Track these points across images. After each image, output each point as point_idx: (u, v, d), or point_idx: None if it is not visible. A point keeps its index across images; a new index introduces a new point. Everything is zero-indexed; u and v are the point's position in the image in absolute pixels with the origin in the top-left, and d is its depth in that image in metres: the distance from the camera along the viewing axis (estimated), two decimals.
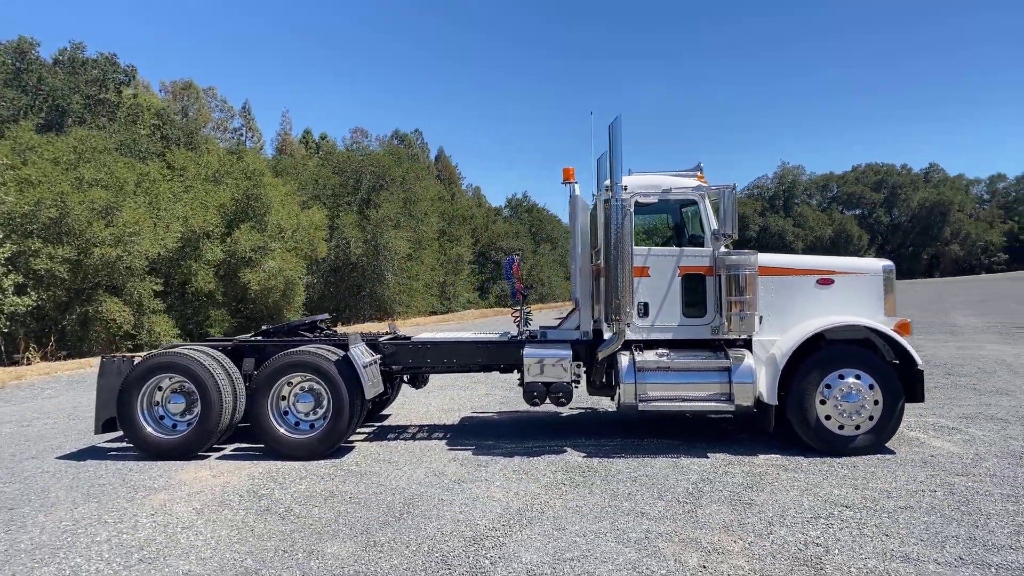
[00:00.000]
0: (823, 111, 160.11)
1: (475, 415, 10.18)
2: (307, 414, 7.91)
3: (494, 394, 11.87)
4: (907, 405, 7.66)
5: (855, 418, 7.45)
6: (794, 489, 6.33)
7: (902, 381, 7.51)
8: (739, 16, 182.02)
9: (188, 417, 7.96)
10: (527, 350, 7.98)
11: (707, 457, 7.47)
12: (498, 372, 8.90)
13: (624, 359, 7.77)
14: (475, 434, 8.84)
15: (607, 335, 8.01)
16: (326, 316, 9.49)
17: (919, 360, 7.49)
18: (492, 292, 60.71)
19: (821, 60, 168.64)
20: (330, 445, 7.78)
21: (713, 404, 7.64)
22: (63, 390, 13.58)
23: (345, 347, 7.96)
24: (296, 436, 7.78)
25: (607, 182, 7.93)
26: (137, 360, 8.29)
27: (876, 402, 7.44)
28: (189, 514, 5.97)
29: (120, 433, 9.00)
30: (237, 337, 9.22)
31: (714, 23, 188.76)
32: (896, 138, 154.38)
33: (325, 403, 7.86)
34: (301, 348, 7.96)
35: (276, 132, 53.14)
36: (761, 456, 7.47)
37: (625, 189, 7.75)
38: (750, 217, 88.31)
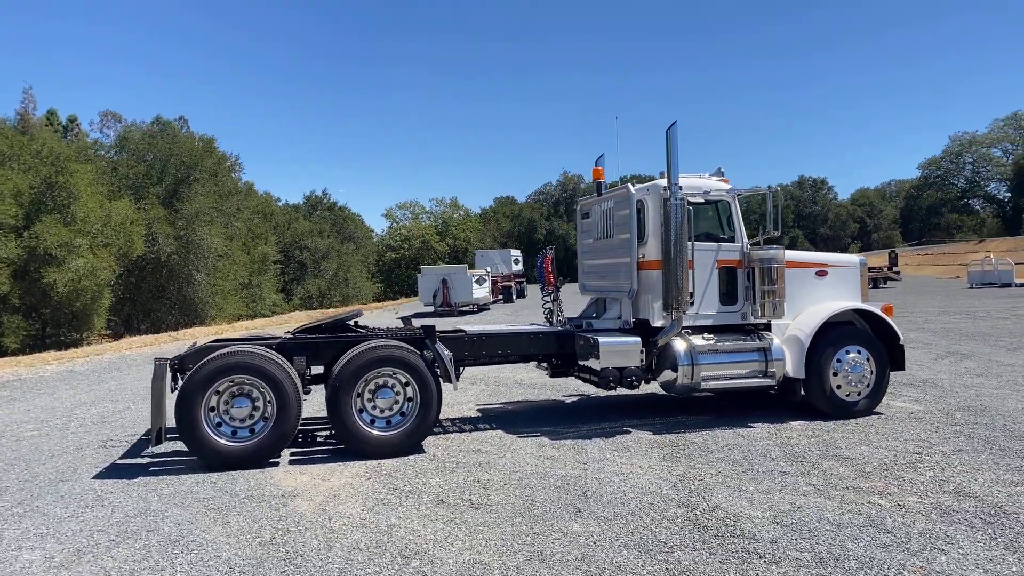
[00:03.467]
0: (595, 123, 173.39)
1: (488, 407, 10.35)
2: (384, 411, 7.66)
3: (473, 388, 11.99)
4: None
5: (858, 386, 8.95)
6: (861, 445, 7.57)
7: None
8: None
9: (250, 423, 7.31)
10: (603, 339, 8.44)
11: (753, 427, 8.52)
12: (535, 362, 9.31)
13: (680, 344, 8.57)
14: (520, 423, 9.07)
15: (658, 323, 8.74)
16: (359, 310, 9.11)
17: (902, 336, 9.22)
18: (296, 294, 58.17)
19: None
20: (416, 441, 7.65)
21: (756, 380, 8.72)
22: None
23: (424, 341, 7.86)
24: (382, 434, 7.51)
25: (663, 183, 8.67)
26: (165, 360, 7.44)
27: (872, 372, 9.01)
28: (367, 515, 5.70)
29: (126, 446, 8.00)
30: (267, 332, 8.51)
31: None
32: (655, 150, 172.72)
33: (402, 399, 7.69)
34: (383, 343, 7.68)
35: (15, 110, 45.01)
36: (793, 423, 8.68)
37: (681, 190, 8.56)
38: (537, 221, 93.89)
